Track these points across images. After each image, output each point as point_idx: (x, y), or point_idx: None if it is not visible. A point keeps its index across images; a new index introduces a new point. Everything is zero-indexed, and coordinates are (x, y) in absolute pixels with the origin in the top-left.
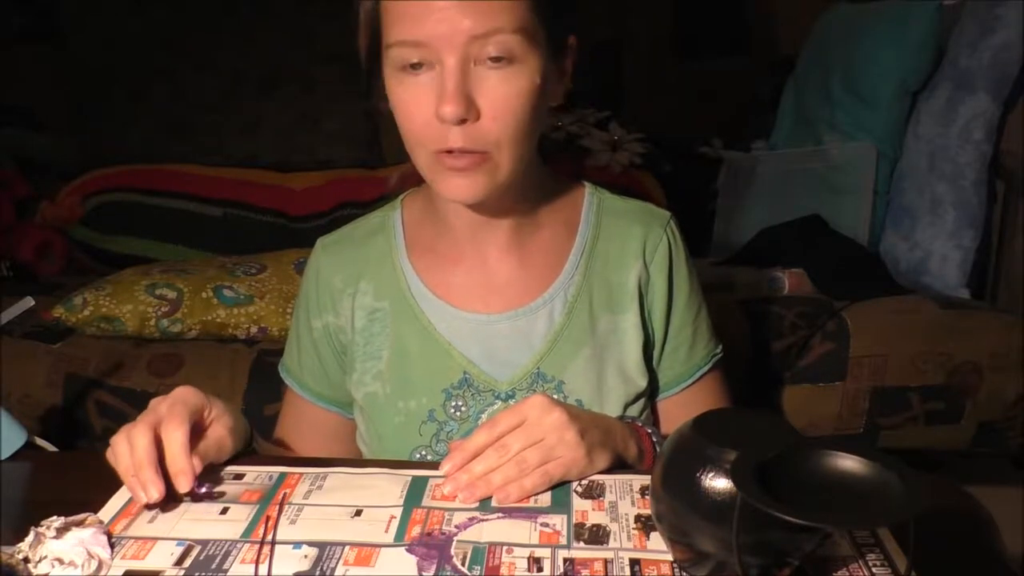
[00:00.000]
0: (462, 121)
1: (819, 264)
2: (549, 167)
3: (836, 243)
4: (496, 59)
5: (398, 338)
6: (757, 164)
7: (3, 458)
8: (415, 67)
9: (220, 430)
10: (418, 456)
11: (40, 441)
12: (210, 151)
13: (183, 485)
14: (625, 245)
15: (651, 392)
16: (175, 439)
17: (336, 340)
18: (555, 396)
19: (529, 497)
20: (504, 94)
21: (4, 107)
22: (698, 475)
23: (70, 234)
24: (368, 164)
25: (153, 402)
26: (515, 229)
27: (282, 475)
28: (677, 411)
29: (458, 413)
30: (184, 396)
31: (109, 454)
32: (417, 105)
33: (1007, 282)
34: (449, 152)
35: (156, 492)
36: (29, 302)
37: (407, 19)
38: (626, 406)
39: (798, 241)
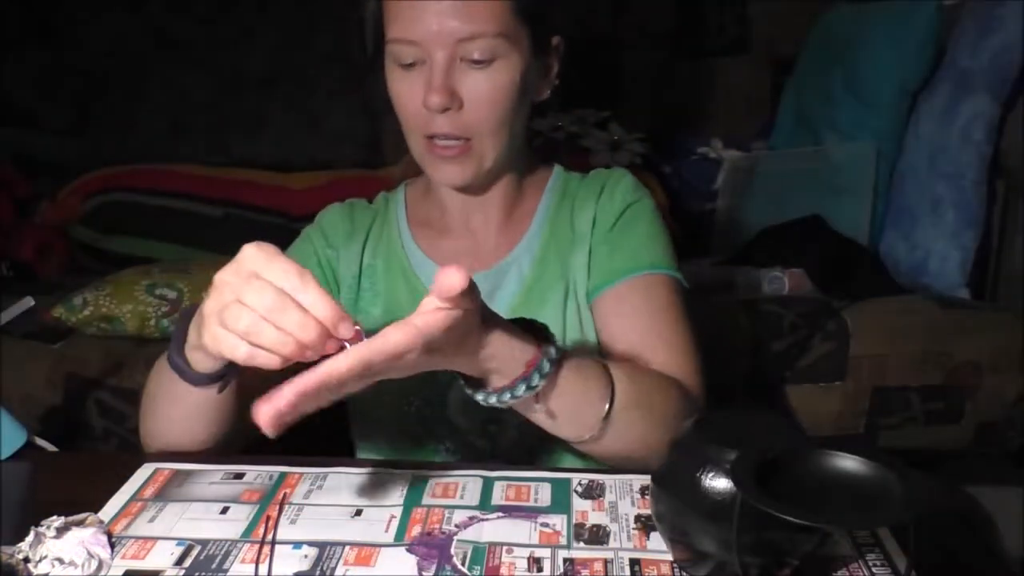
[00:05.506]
0: (445, 110)
1: (819, 264)
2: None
3: (836, 243)
4: (478, 60)
5: (389, 293)
6: (757, 164)
7: (3, 458)
8: (408, 66)
9: None
10: (413, 407)
11: (40, 441)
12: (210, 151)
13: (347, 330)
14: (587, 198)
15: None
16: (322, 297)
17: (329, 267)
18: None
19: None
20: (483, 90)
21: (4, 107)
22: (698, 475)
23: (70, 234)
24: (368, 164)
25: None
26: (501, 205)
27: (282, 475)
28: (604, 309)
29: None
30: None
31: (224, 337)
32: (410, 95)
33: (1007, 282)
34: (435, 137)
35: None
36: (29, 302)
37: (404, 18)
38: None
39: (798, 241)
